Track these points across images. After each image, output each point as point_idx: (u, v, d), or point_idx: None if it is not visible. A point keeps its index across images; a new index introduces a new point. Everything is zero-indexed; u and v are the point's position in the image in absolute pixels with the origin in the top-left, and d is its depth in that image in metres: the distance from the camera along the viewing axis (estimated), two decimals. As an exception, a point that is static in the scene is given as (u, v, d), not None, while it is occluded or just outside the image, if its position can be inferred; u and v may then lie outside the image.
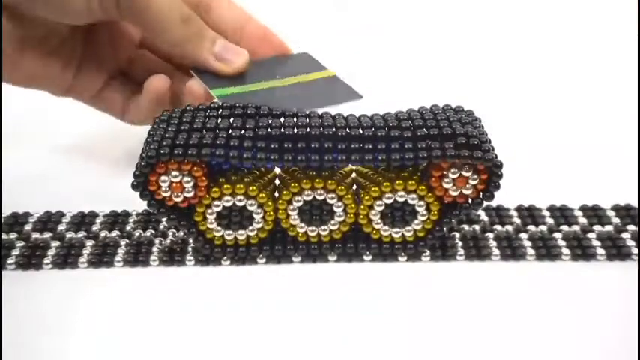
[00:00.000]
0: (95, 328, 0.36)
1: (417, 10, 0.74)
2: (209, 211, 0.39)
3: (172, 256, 0.41)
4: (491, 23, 0.72)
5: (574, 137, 0.54)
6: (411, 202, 0.39)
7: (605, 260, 0.40)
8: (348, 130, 0.37)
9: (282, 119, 0.38)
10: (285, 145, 0.37)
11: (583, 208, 0.44)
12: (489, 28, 0.70)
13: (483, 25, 0.71)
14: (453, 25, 0.70)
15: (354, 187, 0.41)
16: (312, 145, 0.37)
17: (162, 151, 0.37)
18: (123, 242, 0.42)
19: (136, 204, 0.39)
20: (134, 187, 0.38)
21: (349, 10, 0.73)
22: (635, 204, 0.45)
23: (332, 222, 0.40)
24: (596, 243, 0.41)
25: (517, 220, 0.43)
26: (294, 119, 0.38)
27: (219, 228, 0.40)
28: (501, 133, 0.41)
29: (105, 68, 0.48)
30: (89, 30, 0.47)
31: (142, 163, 0.37)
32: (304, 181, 0.39)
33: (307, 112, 0.39)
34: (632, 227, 0.42)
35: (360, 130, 0.37)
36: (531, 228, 0.43)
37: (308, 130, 0.37)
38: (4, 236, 0.42)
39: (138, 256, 0.41)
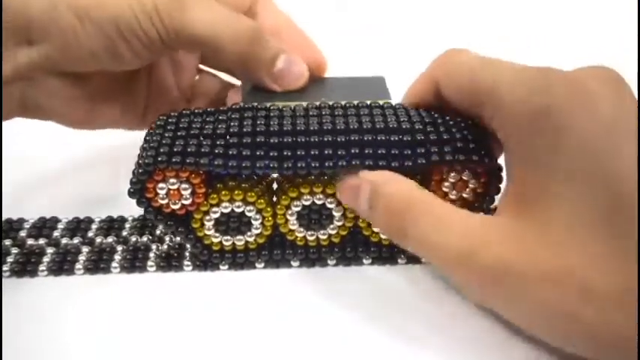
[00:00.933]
0: (92, 335, 0.36)
1: (417, 11, 0.73)
2: (207, 217, 0.39)
3: (170, 262, 0.40)
4: (489, 24, 0.72)
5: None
6: None
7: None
8: (348, 136, 0.36)
9: (281, 121, 0.38)
10: (285, 153, 0.36)
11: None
12: (488, 29, 0.70)
13: (482, 26, 0.71)
14: (453, 26, 0.70)
15: None
16: (312, 152, 0.36)
17: (159, 159, 0.36)
18: (119, 248, 0.41)
19: (133, 210, 0.39)
20: (131, 194, 0.37)
21: (349, 10, 0.72)
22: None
23: (331, 226, 0.39)
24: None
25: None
26: (292, 120, 0.37)
27: (217, 234, 0.39)
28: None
29: (168, 100, 0.46)
30: (150, 67, 0.45)
31: (140, 170, 0.37)
32: (303, 185, 0.38)
33: (305, 111, 0.38)
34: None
35: (360, 136, 0.36)
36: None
37: (306, 138, 0.36)
38: None
39: (135, 262, 0.40)
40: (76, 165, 0.50)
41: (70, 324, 0.36)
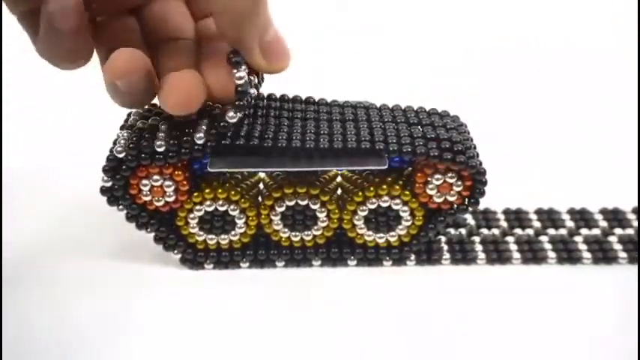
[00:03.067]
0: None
1: (417, 11, 0.73)
2: (191, 215, 0.39)
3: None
4: (488, 24, 0.71)
5: (563, 140, 0.54)
6: (395, 207, 0.39)
7: (591, 264, 0.40)
8: (332, 141, 0.37)
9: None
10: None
11: (571, 212, 0.44)
12: (486, 29, 0.70)
13: (481, 25, 0.71)
14: (453, 26, 0.70)
15: (339, 191, 0.41)
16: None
17: (142, 155, 0.36)
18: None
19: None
20: (113, 190, 0.37)
21: (349, 10, 0.73)
22: (623, 207, 0.44)
23: (315, 227, 0.40)
24: (582, 247, 0.41)
25: (504, 224, 0.43)
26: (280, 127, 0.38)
27: (201, 232, 0.39)
28: (490, 135, 0.41)
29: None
30: None
31: (123, 166, 0.37)
32: (287, 186, 0.38)
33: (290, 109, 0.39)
34: (619, 230, 0.42)
35: (346, 141, 0.37)
36: (518, 231, 0.42)
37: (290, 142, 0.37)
38: None
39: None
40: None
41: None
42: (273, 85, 0.41)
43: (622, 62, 0.62)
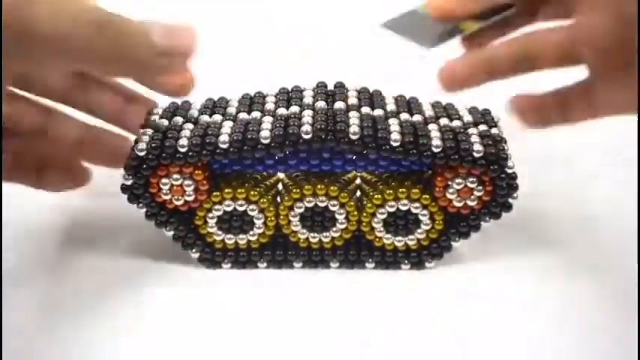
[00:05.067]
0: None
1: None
2: (210, 215, 0.39)
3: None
4: None
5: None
6: (414, 210, 0.39)
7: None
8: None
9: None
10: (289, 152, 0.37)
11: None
12: None
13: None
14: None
15: (358, 193, 0.41)
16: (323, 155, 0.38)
17: (163, 154, 0.37)
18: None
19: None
20: (134, 188, 0.37)
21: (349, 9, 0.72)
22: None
23: (334, 229, 0.39)
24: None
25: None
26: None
27: (220, 232, 0.39)
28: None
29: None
30: None
31: (144, 166, 0.37)
32: (306, 187, 0.38)
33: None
34: None
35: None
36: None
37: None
38: None
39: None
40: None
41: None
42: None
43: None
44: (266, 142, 0.36)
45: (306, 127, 0.36)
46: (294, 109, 0.38)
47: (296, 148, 0.37)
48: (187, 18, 0.34)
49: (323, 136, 0.36)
